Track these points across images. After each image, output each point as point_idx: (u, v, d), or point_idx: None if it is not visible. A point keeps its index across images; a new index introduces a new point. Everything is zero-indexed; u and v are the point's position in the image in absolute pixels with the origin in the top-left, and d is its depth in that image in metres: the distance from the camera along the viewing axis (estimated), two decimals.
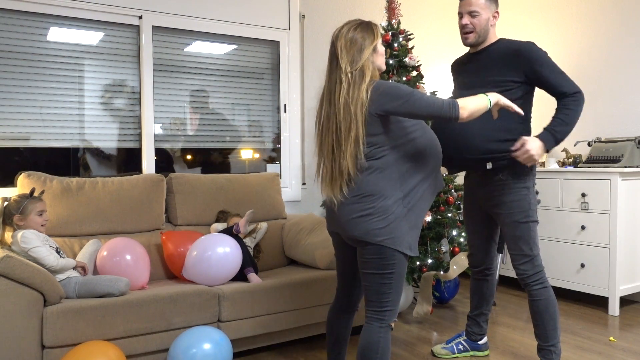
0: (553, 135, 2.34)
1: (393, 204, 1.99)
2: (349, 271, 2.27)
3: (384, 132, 1.99)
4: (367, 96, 1.96)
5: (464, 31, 2.49)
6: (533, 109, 2.64)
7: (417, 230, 2.08)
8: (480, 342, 2.88)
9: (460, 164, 2.51)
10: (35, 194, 2.69)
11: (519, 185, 2.45)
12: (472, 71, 2.56)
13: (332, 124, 2.01)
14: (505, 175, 2.46)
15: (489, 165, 2.44)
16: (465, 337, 2.90)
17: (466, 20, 2.46)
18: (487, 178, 2.52)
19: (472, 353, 2.89)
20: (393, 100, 1.94)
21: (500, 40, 2.51)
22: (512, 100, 2.38)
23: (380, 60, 2.07)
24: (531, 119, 2.53)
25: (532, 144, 2.30)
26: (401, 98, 1.94)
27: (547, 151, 2.36)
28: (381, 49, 2.08)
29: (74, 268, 2.63)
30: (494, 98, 2.13)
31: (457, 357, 2.87)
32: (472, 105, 2.02)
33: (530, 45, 2.42)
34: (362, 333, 2.07)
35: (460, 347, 2.87)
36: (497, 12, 2.50)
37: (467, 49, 2.66)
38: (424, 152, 2.09)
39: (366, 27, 2.03)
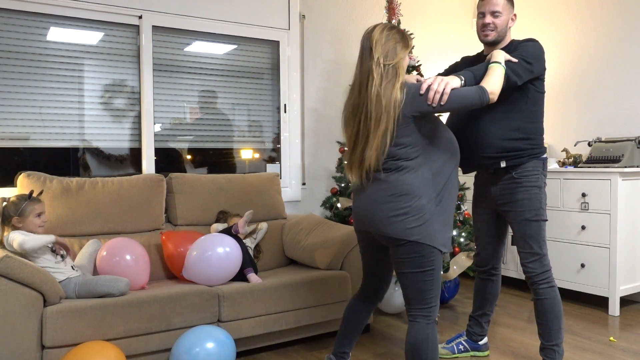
0: (472, 72, 2.25)
1: (427, 202, 2.04)
2: (378, 270, 2.33)
3: (417, 132, 2.04)
4: (402, 96, 1.99)
5: (486, 29, 2.51)
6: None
7: (449, 228, 2.12)
8: (480, 343, 2.88)
9: (475, 162, 2.55)
10: (35, 194, 2.69)
11: (531, 184, 2.47)
12: None
13: (360, 114, 2.04)
14: (518, 174, 2.48)
15: (503, 164, 2.48)
16: (465, 337, 2.90)
17: (489, 19, 2.49)
18: (499, 177, 2.55)
19: (472, 353, 2.89)
20: (427, 100, 2.00)
21: (511, 42, 2.54)
22: (523, 101, 2.45)
23: (405, 67, 2.11)
24: (542, 118, 2.55)
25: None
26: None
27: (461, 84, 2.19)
28: (407, 62, 2.13)
29: (54, 248, 2.56)
30: (501, 58, 2.26)
31: (457, 357, 2.87)
32: (497, 84, 2.14)
33: (529, 39, 2.47)
34: (409, 331, 2.10)
35: (461, 347, 2.87)
36: (515, 15, 2.55)
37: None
38: (448, 151, 2.15)
39: (403, 33, 2.10)
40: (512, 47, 2.49)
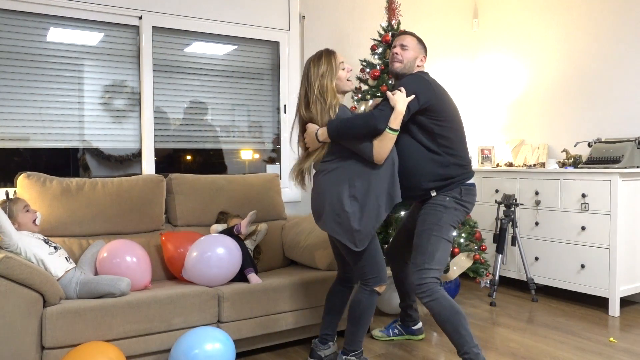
0: (338, 125, 2.38)
1: (344, 199, 2.37)
2: (340, 256, 2.69)
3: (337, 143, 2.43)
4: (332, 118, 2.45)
5: (393, 59, 2.72)
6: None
7: (370, 224, 2.39)
8: (414, 328, 3.10)
9: (409, 195, 2.65)
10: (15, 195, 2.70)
11: (436, 203, 2.58)
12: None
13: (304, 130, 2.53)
14: (429, 195, 2.60)
15: (433, 193, 2.60)
16: (399, 323, 3.14)
17: (397, 50, 2.72)
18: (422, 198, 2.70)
19: (406, 337, 3.14)
20: None
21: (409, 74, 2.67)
22: (431, 138, 2.56)
23: (341, 83, 2.49)
24: (460, 146, 2.62)
25: (309, 130, 2.47)
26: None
27: (331, 138, 2.41)
28: (342, 74, 2.48)
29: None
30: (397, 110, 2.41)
31: (393, 339, 3.13)
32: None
33: (408, 76, 2.61)
34: (352, 294, 2.68)
35: (396, 330, 3.13)
36: (425, 58, 2.75)
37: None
38: (377, 164, 2.41)
39: (330, 61, 2.46)
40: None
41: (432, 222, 2.53)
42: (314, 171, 2.58)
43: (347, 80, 2.51)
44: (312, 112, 2.44)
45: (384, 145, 2.36)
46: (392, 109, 2.38)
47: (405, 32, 2.80)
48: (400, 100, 2.39)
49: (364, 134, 2.35)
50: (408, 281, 3.04)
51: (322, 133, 2.41)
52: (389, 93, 2.42)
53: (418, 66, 2.71)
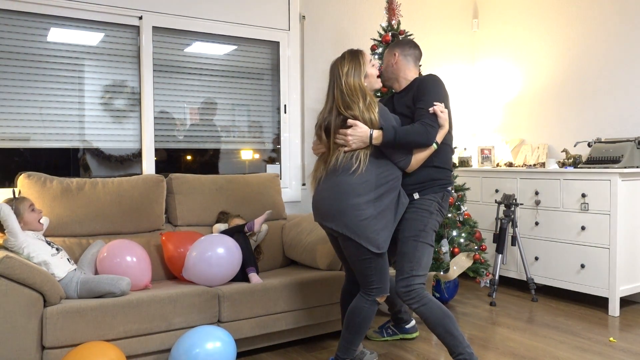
0: (395, 133, 2.37)
1: (364, 203, 2.30)
2: (344, 257, 2.61)
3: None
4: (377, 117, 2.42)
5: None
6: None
7: (388, 230, 2.36)
8: (407, 326, 3.11)
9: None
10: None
11: (422, 208, 2.51)
12: (396, 111, 2.65)
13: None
14: (411, 197, 2.53)
15: (416, 195, 2.54)
16: (392, 324, 3.16)
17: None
18: None
19: (400, 336, 3.14)
20: None
21: (414, 81, 2.61)
22: None
23: (374, 80, 2.50)
24: (450, 152, 2.61)
25: (359, 130, 2.38)
26: None
27: (383, 143, 2.37)
28: (374, 71, 2.48)
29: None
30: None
31: (387, 340, 3.13)
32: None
33: (427, 76, 2.56)
34: (353, 300, 2.49)
35: (390, 331, 3.14)
36: (395, 55, 2.66)
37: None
38: (392, 165, 2.43)
39: (358, 60, 2.44)
40: (414, 85, 2.56)
41: (419, 228, 2.47)
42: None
43: (377, 77, 2.51)
44: (354, 111, 2.36)
45: (423, 157, 2.44)
46: (440, 125, 2.42)
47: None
48: (447, 118, 2.44)
49: (416, 147, 2.41)
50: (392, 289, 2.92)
51: (378, 137, 2.35)
52: (438, 111, 2.40)
53: (396, 67, 2.66)
